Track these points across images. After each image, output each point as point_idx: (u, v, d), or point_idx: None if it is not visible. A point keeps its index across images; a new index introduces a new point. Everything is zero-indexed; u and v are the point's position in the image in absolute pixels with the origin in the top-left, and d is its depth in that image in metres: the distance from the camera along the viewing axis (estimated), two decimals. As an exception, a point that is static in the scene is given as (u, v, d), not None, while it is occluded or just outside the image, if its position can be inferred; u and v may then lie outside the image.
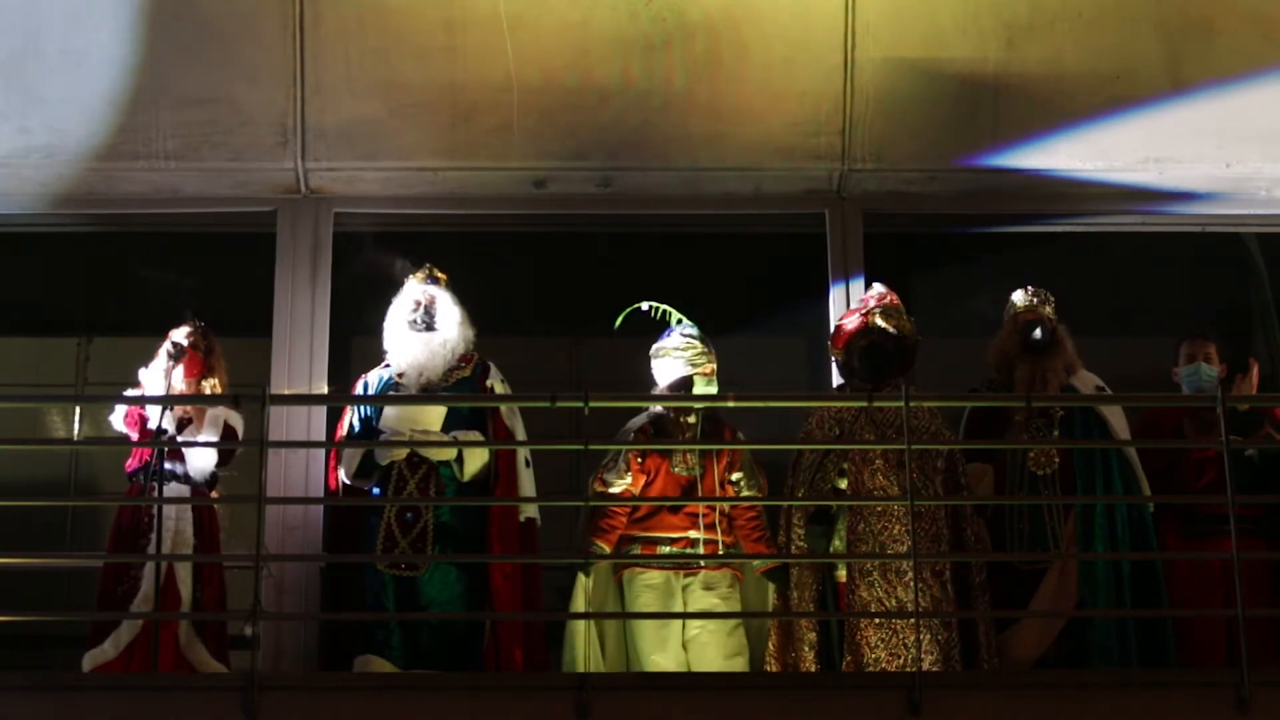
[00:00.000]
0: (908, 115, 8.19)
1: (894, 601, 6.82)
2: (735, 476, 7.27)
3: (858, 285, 8.10)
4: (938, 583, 6.80)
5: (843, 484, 7.01)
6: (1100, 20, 8.10)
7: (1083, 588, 7.05)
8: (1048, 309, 7.43)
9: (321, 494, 7.88)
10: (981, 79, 8.16)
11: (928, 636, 6.76)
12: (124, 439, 7.23)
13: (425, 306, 7.35)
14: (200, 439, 7.16)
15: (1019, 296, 7.49)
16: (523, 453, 7.22)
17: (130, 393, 7.29)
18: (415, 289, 7.43)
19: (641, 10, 8.07)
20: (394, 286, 7.54)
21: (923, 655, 6.74)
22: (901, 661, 6.77)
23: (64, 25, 8.05)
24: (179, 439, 7.15)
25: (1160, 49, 8.13)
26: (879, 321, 7.24)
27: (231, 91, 8.13)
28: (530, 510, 7.16)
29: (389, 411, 7.20)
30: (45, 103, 8.13)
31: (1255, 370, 7.52)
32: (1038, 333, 7.30)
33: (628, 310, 7.45)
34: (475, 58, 8.11)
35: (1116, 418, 7.27)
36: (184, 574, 7.05)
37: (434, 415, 7.18)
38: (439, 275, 7.45)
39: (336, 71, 8.13)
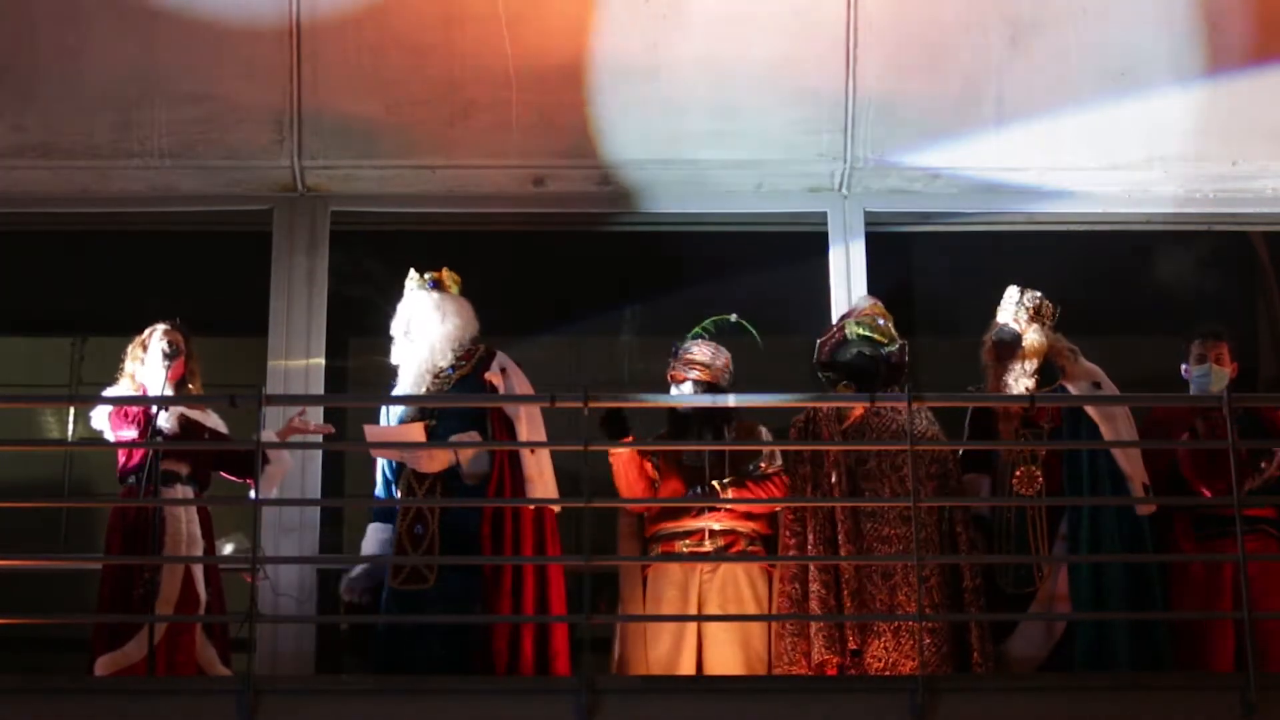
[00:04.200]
0: (911, 112, 8.15)
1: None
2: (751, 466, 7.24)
3: (860, 283, 8.07)
4: (923, 588, 6.73)
5: None
6: (1105, 16, 8.06)
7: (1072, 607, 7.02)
8: (1022, 312, 7.37)
9: (318, 495, 7.84)
10: (985, 76, 8.14)
11: (910, 643, 6.79)
12: (121, 440, 7.17)
13: (406, 319, 7.30)
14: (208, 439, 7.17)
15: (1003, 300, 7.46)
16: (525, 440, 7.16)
17: (111, 391, 7.24)
18: (406, 297, 7.37)
19: (641, 7, 8.02)
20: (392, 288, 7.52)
21: (903, 660, 6.77)
22: (882, 665, 6.81)
23: (58, 22, 8.01)
24: (186, 443, 7.11)
25: (1166, 45, 8.10)
26: (854, 334, 7.23)
27: (227, 89, 8.09)
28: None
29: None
30: (40, 100, 8.09)
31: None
32: (1003, 338, 7.29)
33: (715, 319, 7.39)
34: (474, 55, 8.08)
35: (1118, 422, 7.21)
36: (200, 576, 7.03)
37: (415, 433, 7.11)
38: (422, 277, 7.37)
39: (333, 69, 8.10)
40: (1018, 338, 7.30)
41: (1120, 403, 7.27)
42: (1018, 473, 7.18)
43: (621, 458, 7.18)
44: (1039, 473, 7.17)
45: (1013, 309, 7.36)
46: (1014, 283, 7.47)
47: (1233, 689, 6.29)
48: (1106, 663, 6.89)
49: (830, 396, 7.29)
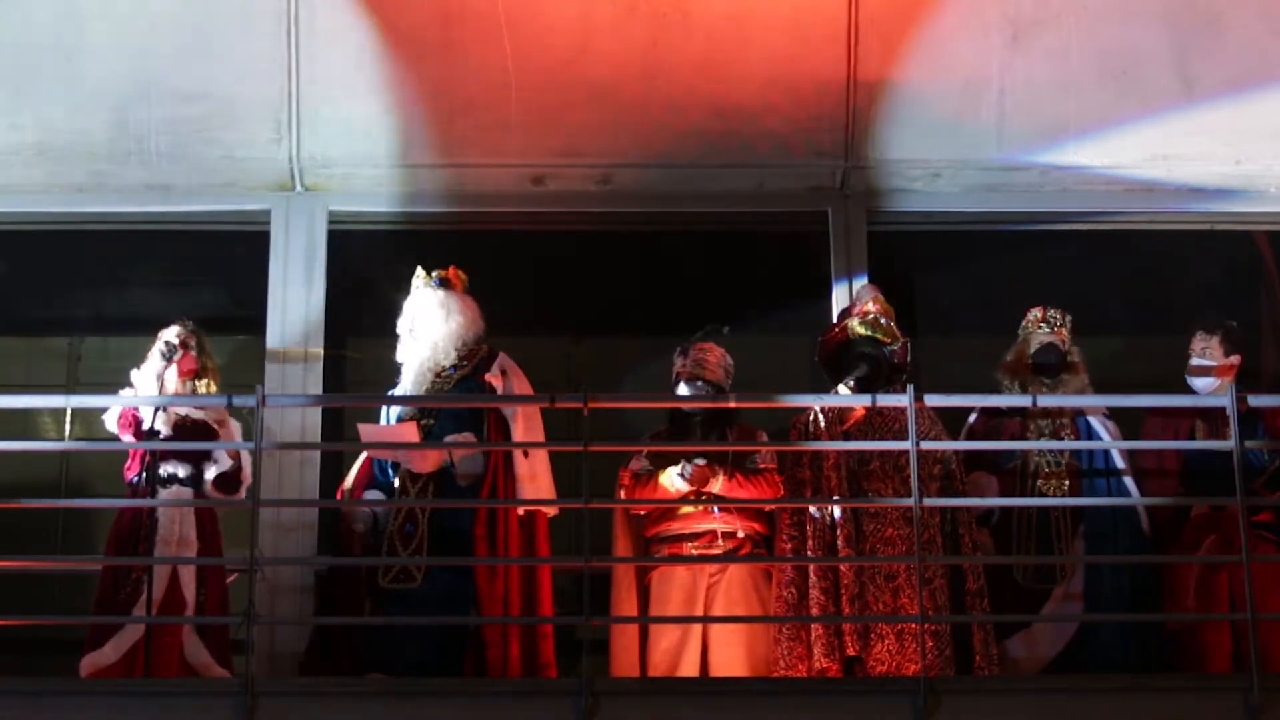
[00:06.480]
0: (912, 111, 8.13)
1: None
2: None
3: (861, 283, 8.04)
4: (927, 591, 6.71)
5: None
6: (1107, 14, 8.05)
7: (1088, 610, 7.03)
8: (1064, 332, 7.38)
9: (316, 496, 7.81)
10: (986, 74, 8.12)
11: (913, 646, 6.77)
12: (117, 440, 7.15)
13: (411, 316, 7.30)
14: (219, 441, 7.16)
15: (1035, 316, 7.44)
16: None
17: (123, 393, 7.22)
18: (412, 295, 7.36)
19: (641, 5, 8.00)
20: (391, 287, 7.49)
21: (907, 663, 6.76)
22: (886, 668, 6.78)
23: (55, 20, 7.98)
24: (183, 443, 7.08)
25: (1168, 44, 8.08)
26: (856, 333, 7.22)
27: (225, 87, 8.07)
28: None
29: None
30: (36, 99, 8.07)
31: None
32: (1049, 357, 7.30)
33: (709, 328, 7.39)
34: (473, 53, 8.06)
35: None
36: (188, 578, 7.00)
37: (409, 433, 7.08)
38: (429, 275, 7.38)
39: (332, 67, 8.08)
40: (1064, 357, 7.30)
41: (1123, 403, 7.29)
42: (1043, 475, 7.20)
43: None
44: (1066, 477, 7.19)
45: (1046, 326, 7.36)
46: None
47: (1235, 690, 6.29)
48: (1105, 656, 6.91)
49: (830, 397, 7.26)
